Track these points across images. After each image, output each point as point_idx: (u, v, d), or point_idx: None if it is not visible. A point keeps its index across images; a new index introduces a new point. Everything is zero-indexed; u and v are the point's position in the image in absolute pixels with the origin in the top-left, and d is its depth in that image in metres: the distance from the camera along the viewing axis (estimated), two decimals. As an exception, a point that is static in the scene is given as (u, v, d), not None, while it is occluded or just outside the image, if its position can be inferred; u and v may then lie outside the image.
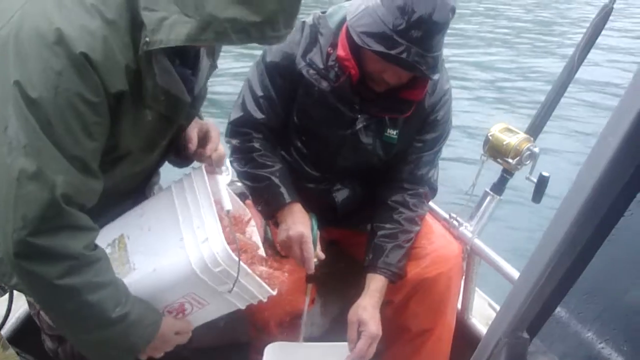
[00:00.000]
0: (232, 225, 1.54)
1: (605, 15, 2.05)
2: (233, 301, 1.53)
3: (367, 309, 1.91)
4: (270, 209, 1.94)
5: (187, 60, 1.46)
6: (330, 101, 1.97)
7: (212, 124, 1.64)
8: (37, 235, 1.22)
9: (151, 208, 1.58)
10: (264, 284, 1.54)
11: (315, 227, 1.87)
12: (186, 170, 1.65)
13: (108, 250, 1.50)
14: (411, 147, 2.09)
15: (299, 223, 1.85)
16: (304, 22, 2.01)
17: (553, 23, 15.54)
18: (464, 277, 2.27)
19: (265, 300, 1.60)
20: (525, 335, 0.90)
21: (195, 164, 1.64)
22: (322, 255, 1.88)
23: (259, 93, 2.00)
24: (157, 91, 1.33)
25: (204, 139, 1.60)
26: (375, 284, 1.98)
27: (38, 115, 1.17)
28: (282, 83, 1.99)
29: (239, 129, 2.03)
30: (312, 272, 1.86)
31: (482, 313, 2.39)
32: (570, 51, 2.18)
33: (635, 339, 1.12)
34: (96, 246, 1.36)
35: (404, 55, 1.74)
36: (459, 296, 2.26)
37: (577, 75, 2.16)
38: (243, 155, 2.01)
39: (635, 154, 0.63)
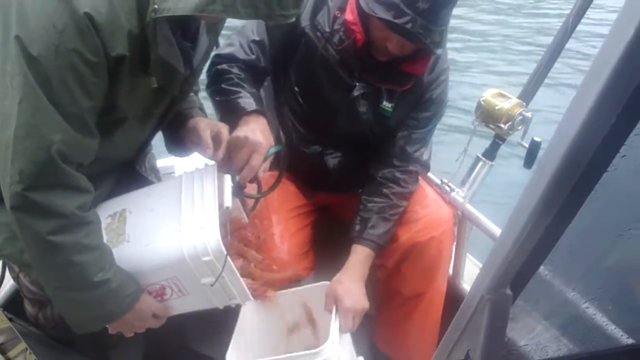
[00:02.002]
0: (229, 226, 1.58)
1: (599, -22, 2.03)
2: (212, 298, 1.55)
3: (343, 282, 1.90)
4: (237, 114, 1.75)
5: (188, 33, 1.47)
6: (331, 65, 1.96)
7: (223, 125, 1.66)
8: (32, 190, 1.25)
9: (158, 191, 1.63)
10: (246, 288, 1.56)
11: (274, 150, 1.70)
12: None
13: (108, 220, 1.54)
14: (404, 124, 2.09)
15: (262, 134, 1.66)
16: None
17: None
18: (455, 243, 2.28)
19: (243, 304, 1.63)
20: (509, 291, 0.90)
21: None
22: (266, 172, 1.72)
23: (252, 37, 1.96)
24: (158, 60, 1.34)
25: (215, 139, 1.61)
26: (358, 256, 1.99)
27: (37, 73, 1.18)
28: (280, 35, 1.96)
29: (221, 60, 1.95)
30: (245, 184, 1.69)
31: (473, 278, 2.40)
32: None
33: (620, 298, 1.13)
34: (90, 209, 1.39)
35: (408, 26, 1.73)
36: (450, 261, 2.27)
37: (571, 39, 2.14)
38: (219, 78, 1.91)
39: (615, 106, 0.62)
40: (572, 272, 1.04)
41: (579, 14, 2.08)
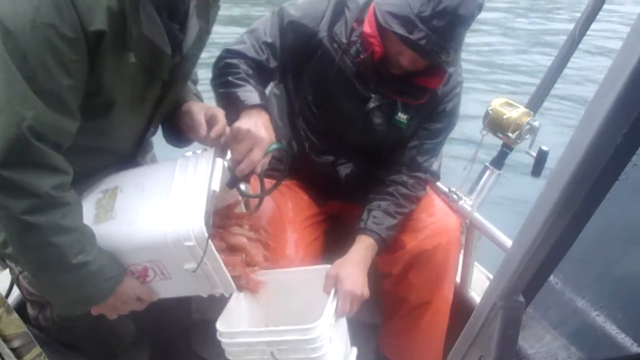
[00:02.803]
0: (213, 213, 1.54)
1: (607, -13, 2.04)
2: (196, 285, 1.53)
3: (346, 266, 1.86)
4: (239, 106, 1.72)
5: (176, 16, 1.45)
6: (347, 76, 1.96)
7: (218, 108, 1.64)
8: (4, 167, 1.23)
9: (152, 171, 1.61)
10: (230, 278, 1.53)
11: (275, 146, 1.65)
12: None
13: (99, 196, 1.53)
14: (416, 134, 2.09)
15: (264, 128, 1.62)
16: None
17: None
18: (463, 251, 2.29)
19: (227, 295, 1.60)
20: (521, 298, 0.91)
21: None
22: (264, 167, 1.69)
23: (264, 38, 1.94)
24: (142, 39, 1.33)
25: (209, 122, 1.59)
26: (361, 244, 1.96)
27: (12, 48, 1.17)
28: (293, 41, 1.96)
29: (230, 55, 1.93)
30: (241, 177, 1.65)
31: (481, 287, 2.41)
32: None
33: (630, 307, 1.13)
34: (69, 190, 1.37)
35: (422, 42, 1.74)
36: (457, 269, 2.27)
37: (578, 48, 2.15)
38: (226, 71, 1.88)
39: (628, 115, 0.63)
40: (582, 280, 1.04)
41: (586, 22, 2.09)
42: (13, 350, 0.97)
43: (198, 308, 2.13)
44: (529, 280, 0.87)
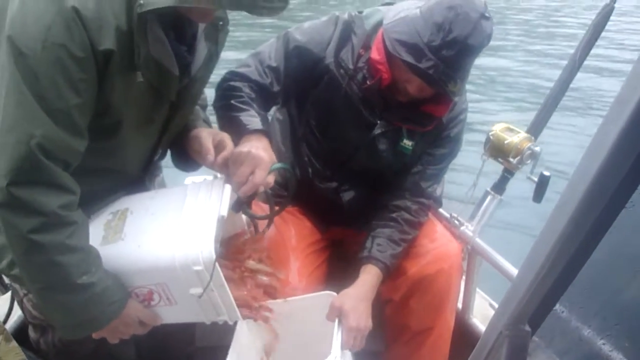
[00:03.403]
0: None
1: (606, 14, 2.06)
2: (200, 311, 1.53)
3: (351, 298, 1.84)
4: (240, 131, 1.71)
5: (184, 37, 1.47)
6: (354, 102, 1.97)
7: (226, 134, 1.65)
8: (15, 185, 1.25)
9: (162, 196, 1.62)
10: (235, 305, 1.53)
11: (278, 166, 1.64)
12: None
13: (109, 217, 1.54)
14: (420, 159, 2.10)
15: (265, 152, 1.61)
16: (338, 17, 2.01)
17: (558, 25, 15.61)
18: (465, 277, 2.28)
19: (230, 322, 1.59)
20: (527, 328, 0.90)
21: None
22: (269, 187, 1.65)
23: (269, 62, 1.94)
24: (149, 59, 1.34)
25: (217, 148, 1.60)
26: (366, 274, 1.95)
27: (24, 67, 1.19)
28: (298, 65, 1.96)
29: (234, 77, 1.93)
30: (246, 197, 1.64)
31: (483, 313, 2.39)
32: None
33: (637, 336, 1.12)
34: (76, 209, 1.38)
35: (431, 71, 1.75)
36: (459, 295, 2.26)
37: (578, 75, 2.17)
38: (229, 94, 1.87)
39: (635, 144, 0.63)
40: (588, 308, 1.03)
41: (586, 48, 2.11)
42: (11, 378, 0.95)
43: (202, 335, 2.11)
44: (534, 309, 0.86)
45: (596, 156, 0.66)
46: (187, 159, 1.67)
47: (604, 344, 1.09)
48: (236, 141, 1.68)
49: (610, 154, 0.65)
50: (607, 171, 0.67)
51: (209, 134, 1.62)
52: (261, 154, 1.59)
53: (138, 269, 1.47)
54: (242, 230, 1.76)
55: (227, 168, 1.59)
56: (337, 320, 1.78)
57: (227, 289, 1.48)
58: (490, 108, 8.01)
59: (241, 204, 1.63)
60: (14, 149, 1.23)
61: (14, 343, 0.94)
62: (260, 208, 1.89)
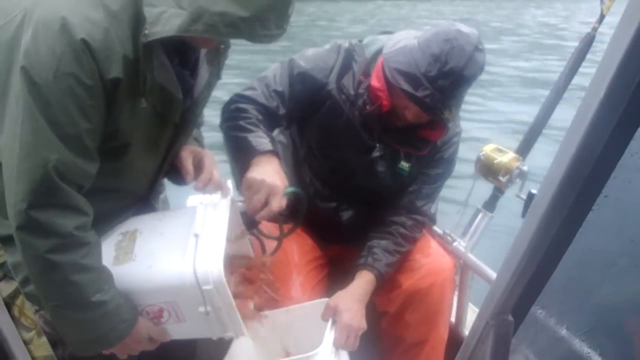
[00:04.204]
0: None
1: (588, 42, 2.19)
2: (207, 328, 1.58)
3: (346, 299, 1.92)
4: (250, 152, 1.81)
5: (187, 62, 1.55)
6: (354, 126, 2.06)
7: (207, 152, 1.72)
8: (33, 208, 1.31)
9: (171, 217, 1.67)
10: (241, 322, 1.58)
11: (290, 190, 1.74)
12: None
13: (119, 238, 1.59)
14: (416, 178, 2.19)
15: (277, 176, 1.72)
16: (340, 45, 2.11)
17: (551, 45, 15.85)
18: (457, 292, 2.35)
19: (236, 338, 1.65)
20: (510, 318, 0.99)
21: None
22: (282, 208, 1.73)
23: (274, 87, 2.03)
24: (155, 85, 1.41)
25: (197, 167, 1.67)
26: (360, 279, 2.03)
27: (37, 96, 1.26)
28: (302, 90, 2.04)
29: (241, 100, 2.01)
30: (259, 222, 1.77)
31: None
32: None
33: (612, 332, 1.21)
34: (90, 230, 1.43)
35: (427, 100, 1.85)
36: (452, 309, 2.33)
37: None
38: (237, 115, 1.96)
39: (594, 152, 0.73)
40: (564, 308, 1.12)
41: (571, 72, 2.22)
42: (41, 371, 1.03)
43: (202, 350, 2.17)
44: (516, 301, 0.95)
45: (562, 163, 0.76)
46: (177, 173, 1.73)
47: (582, 341, 1.18)
48: (245, 161, 1.78)
49: (573, 162, 0.75)
50: (572, 177, 0.77)
51: (189, 153, 1.69)
52: (275, 182, 1.69)
53: (149, 288, 1.53)
54: (247, 255, 1.83)
55: (206, 189, 1.67)
56: (330, 320, 1.85)
57: (235, 306, 1.53)
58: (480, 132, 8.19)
59: (254, 224, 1.73)
60: (31, 174, 1.30)
61: (44, 339, 1.02)
62: (266, 227, 1.96)
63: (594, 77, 0.70)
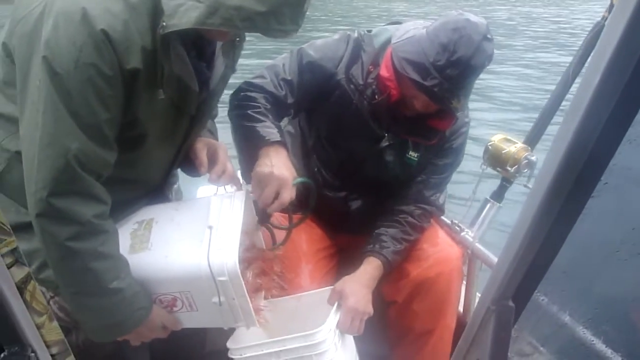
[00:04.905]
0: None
1: (597, 32, 2.18)
2: (219, 317, 1.60)
3: (352, 283, 1.94)
4: (258, 142, 1.82)
5: (203, 54, 1.57)
6: (363, 116, 2.07)
7: (221, 144, 1.74)
8: (54, 196, 1.34)
9: (186, 207, 1.70)
10: (253, 313, 1.60)
11: (299, 180, 1.76)
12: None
13: (135, 226, 1.62)
14: (424, 168, 2.20)
15: (285, 168, 1.74)
16: (349, 35, 2.12)
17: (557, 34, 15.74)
18: (465, 281, 2.36)
19: (247, 329, 1.67)
20: (511, 303, 1.00)
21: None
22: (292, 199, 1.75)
23: (283, 75, 2.04)
24: (172, 77, 1.43)
25: (211, 160, 1.70)
26: (367, 265, 2.05)
27: (59, 86, 1.29)
28: (311, 80, 2.05)
29: (250, 88, 2.02)
30: (271, 214, 1.80)
31: (484, 316, 2.46)
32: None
33: (616, 319, 1.21)
34: (108, 219, 1.47)
35: (436, 89, 1.86)
36: (459, 299, 2.34)
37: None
38: (246, 103, 1.96)
39: (590, 136, 0.74)
40: (566, 295, 1.13)
41: (580, 62, 2.22)
42: (52, 356, 1.06)
43: (212, 339, 2.19)
44: (517, 287, 0.97)
45: (559, 149, 0.77)
46: (191, 164, 1.75)
47: (585, 328, 1.19)
48: (253, 151, 1.80)
49: (571, 149, 0.76)
50: (569, 164, 0.78)
51: (204, 145, 1.71)
52: (284, 174, 1.70)
53: (164, 277, 1.55)
54: (260, 247, 1.85)
55: (220, 181, 1.70)
56: (336, 304, 1.86)
57: (248, 298, 1.56)
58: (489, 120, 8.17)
59: (267, 217, 1.76)
60: (53, 162, 1.33)
61: (55, 323, 1.05)
62: (276, 218, 1.98)
63: (589, 63, 0.70)
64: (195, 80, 1.51)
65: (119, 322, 1.54)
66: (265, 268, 1.82)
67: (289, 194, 1.70)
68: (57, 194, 1.35)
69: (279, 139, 1.83)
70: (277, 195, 1.70)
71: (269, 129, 1.86)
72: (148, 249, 1.57)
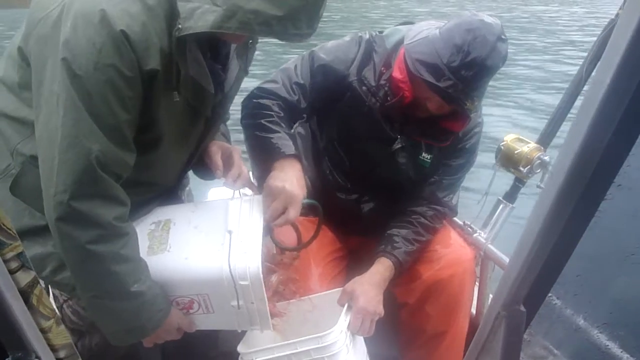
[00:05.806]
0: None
1: (611, 29, 2.14)
2: (235, 320, 1.59)
3: (363, 283, 1.93)
4: (273, 154, 1.82)
5: (218, 56, 1.57)
6: (375, 118, 2.05)
7: (235, 147, 1.74)
8: (75, 199, 1.33)
9: (203, 209, 1.69)
10: (269, 317, 1.59)
11: (307, 202, 1.77)
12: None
13: (152, 227, 1.61)
14: (437, 169, 2.18)
15: (298, 184, 1.74)
16: (360, 37, 2.11)
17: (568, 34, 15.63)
18: (478, 283, 2.34)
19: (262, 332, 1.68)
20: (522, 308, 0.98)
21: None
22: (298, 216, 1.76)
23: (296, 79, 2.04)
24: (187, 79, 1.43)
25: (226, 163, 1.69)
26: (378, 265, 2.03)
27: (79, 88, 1.28)
28: (323, 82, 2.05)
29: (263, 94, 2.02)
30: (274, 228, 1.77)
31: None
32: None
33: (632, 323, 1.19)
34: (127, 221, 1.46)
35: (450, 90, 1.84)
36: (472, 300, 2.32)
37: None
38: (258, 112, 1.96)
39: (602, 137, 0.72)
40: (581, 298, 1.11)
41: (593, 61, 2.19)
42: (60, 360, 1.05)
43: (225, 340, 2.19)
44: (528, 291, 0.95)
45: (571, 150, 0.75)
46: (205, 168, 1.75)
47: (600, 332, 1.17)
48: (267, 163, 1.80)
49: (583, 150, 0.74)
50: (581, 166, 0.76)
51: (218, 148, 1.71)
52: (295, 192, 1.70)
53: (183, 279, 1.54)
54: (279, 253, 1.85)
55: (237, 185, 1.69)
56: (346, 305, 1.85)
57: (267, 302, 1.55)
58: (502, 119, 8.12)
59: (270, 230, 1.75)
60: (74, 164, 1.32)
61: (63, 327, 1.04)
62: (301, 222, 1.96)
63: (601, 61, 0.69)
64: (211, 82, 1.51)
65: (140, 325, 1.53)
66: (292, 275, 1.83)
67: (296, 212, 1.70)
68: (79, 196, 1.34)
69: (294, 152, 1.83)
70: (284, 211, 1.70)
71: (284, 141, 1.86)
72: (167, 251, 1.56)
